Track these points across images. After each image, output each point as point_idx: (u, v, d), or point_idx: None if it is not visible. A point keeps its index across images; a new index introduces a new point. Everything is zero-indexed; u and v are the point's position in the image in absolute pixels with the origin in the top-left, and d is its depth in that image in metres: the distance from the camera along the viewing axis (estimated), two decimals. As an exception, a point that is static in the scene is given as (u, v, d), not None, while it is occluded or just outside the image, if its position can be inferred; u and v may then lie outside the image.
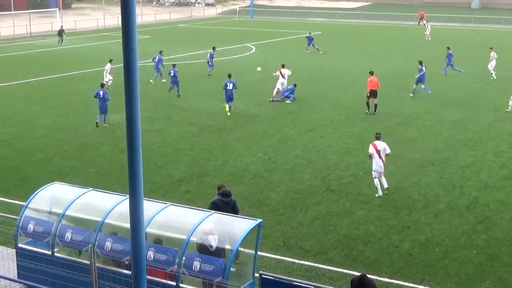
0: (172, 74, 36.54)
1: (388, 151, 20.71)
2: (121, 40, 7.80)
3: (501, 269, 15.78)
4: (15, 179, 22.61)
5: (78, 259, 13.69)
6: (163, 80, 40.32)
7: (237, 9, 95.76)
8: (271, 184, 21.87)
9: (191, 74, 43.83)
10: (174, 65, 37.32)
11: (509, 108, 32.41)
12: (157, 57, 41.05)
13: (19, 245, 14.35)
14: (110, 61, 39.20)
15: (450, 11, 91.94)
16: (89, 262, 12.66)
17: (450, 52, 42.78)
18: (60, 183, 15.75)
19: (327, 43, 61.75)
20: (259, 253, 13.89)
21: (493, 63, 42.43)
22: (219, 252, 12.83)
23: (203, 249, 12.91)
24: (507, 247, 16.92)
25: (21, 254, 14.24)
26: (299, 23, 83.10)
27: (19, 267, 14.29)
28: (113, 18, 78.54)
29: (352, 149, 25.83)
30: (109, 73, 38.99)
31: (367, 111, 32.27)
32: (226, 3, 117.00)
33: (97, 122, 29.86)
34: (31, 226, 14.16)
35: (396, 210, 19.45)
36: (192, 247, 12.95)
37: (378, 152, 20.47)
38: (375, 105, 32.04)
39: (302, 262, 16.13)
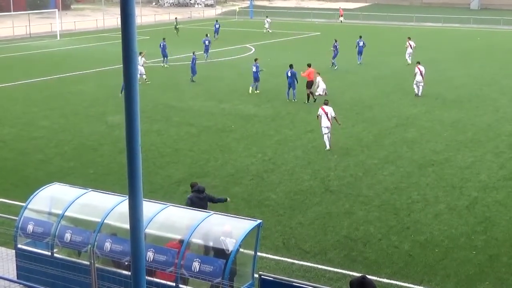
0: (193, 63, 40.83)
1: (334, 114, 25.97)
2: (120, 41, 7.80)
3: (501, 269, 15.78)
4: (14, 180, 22.60)
5: (77, 260, 13.69)
6: (166, 65, 45.92)
7: (237, 10, 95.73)
8: (271, 184, 21.87)
9: (190, 74, 43.81)
10: (193, 53, 41.94)
11: (417, 92, 36.34)
12: (161, 44, 47.12)
13: (19, 246, 14.34)
14: (141, 53, 40.09)
15: (450, 11, 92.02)
16: (88, 263, 12.65)
17: (336, 44, 46.96)
18: (60, 184, 15.74)
19: (326, 44, 61.77)
20: (258, 254, 13.89)
21: (409, 50, 48.23)
22: (229, 254, 12.73)
23: (218, 251, 12.87)
24: (506, 248, 16.92)
25: (21, 255, 14.24)
26: (299, 24, 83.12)
27: (18, 267, 14.28)
28: (112, 19, 78.51)
29: (352, 150, 25.82)
30: (141, 65, 39.45)
31: (307, 102, 34.39)
32: (226, 4, 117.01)
33: None
34: (30, 227, 14.16)
35: (396, 211, 19.46)
36: (191, 248, 12.94)
37: (326, 114, 25.69)
38: (311, 94, 34.72)
39: (301, 262, 16.13)
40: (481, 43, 62.71)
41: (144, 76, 39.62)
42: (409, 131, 28.81)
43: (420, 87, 36.31)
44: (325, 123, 25.78)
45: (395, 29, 75.95)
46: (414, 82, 36.48)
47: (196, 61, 41.30)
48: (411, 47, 48.67)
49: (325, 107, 26.05)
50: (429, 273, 15.61)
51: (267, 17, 75.36)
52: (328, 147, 25.69)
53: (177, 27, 68.85)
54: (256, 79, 37.60)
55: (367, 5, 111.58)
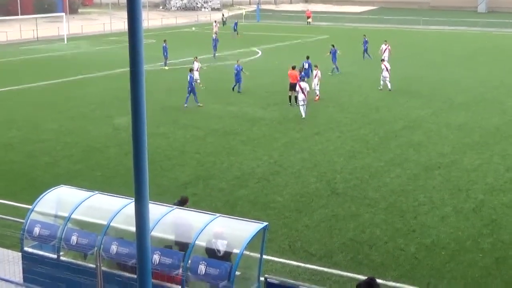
0: (236, 72, 38.53)
1: (308, 89, 31.97)
2: (127, 44, 7.83)
3: (508, 272, 15.74)
4: (21, 183, 22.68)
5: (83, 263, 13.71)
6: (166, 68, 47.07)
7: (243, 14, 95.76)
8: (277, 187, 21.88)
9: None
10: (237, 61, 39.80)
11: (381, 87, 38.90)
12: (164, 45, 47.98)
13: (25, 248, 14.37)
14: (196, 58, 40.78)
15: (457, 15, 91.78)
16: (94, 266, 12.69)
17: (335, 49, 45.75)
18: (66, 186, 15.78)
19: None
20: (264, 256, 13.88)
21: (386, 54, 46.69)
22: (226, 256, 12.79)
23: (210, 252, 12.91)
24: (513, 251, 16.88)
25: (27, 258, 14.27)
26: (305, 27, 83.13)
27: (25, 270, 14.31)
28: (119, 22, 78.70)
29: (358, 153, 25.81)
30: (196, 70, 39.32)
31: (289, 104, 34.42)
32: (232, 7, 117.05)
33: (185, 106, 34.26)
34: (37, 230, 14.18)
35: (402, 214, 19.43)
36: (197, 251, 12.95)
37: (301, 89, 31.46)
38: (296, 97, 33.98)
39: (307, 265, 16.12)
40: (489, 46, 62.57)
41: (198, 81, 38.64)
42: (415, 133, 28.77)
43: (388, 83, 38.86)
44: (301, 96, 31.50)
45: (402, 33, 75.87)
46: (381, 78, 39.19)
47: (241, 71, 38.74)
48: (384, 51, 47.23)
49: (302, 83, 31.86)
50: (436, 276, 15.58)
51: (215, 21, 76.58)
52: (303, 115, 31.20)
53: (236, 28, 72.24)
54: (307, 75, 38.10)
55: (374, 9, 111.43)
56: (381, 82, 39.21)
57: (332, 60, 45.26)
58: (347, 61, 48.16)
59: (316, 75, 36.34)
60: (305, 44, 63.59)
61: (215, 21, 75.93)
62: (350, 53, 52.48)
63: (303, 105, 31.31)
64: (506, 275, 15.58)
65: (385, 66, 39.32)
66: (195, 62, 40.08)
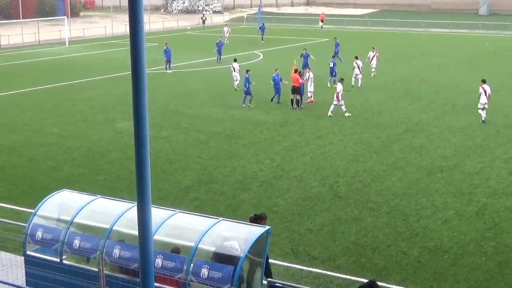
0: (275, 82, 36.33)
1: (339, 91, 32.55)
2: (129, 47, 7.83)
3: (510, 276, 15.71)
4: (23, 187, 22.68)
5: (86, 267, 13.69)
6: (168, 71, 46.77)
7: (245, 17, 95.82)
8: (279, 191, 21.86)
9: (199, 80, 43.95)
10: (276, 70, 36.79)
11: (354, 84, 40.43)
12: (165, 49, 48.19)
13: (28, 252, 14.35)
14: (235, 60, 40.93)
15: (458, 17, 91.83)
16: (97, 270, 12.67)
17: (307, 52, 45.16)
18: (69, 190, 15.76)
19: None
20: (267, 260, 13.86)
21: (374, 61, 45.86)
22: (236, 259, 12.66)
23: (220, 256, 12.78)
24: (516, 254, 16.85)
25: (30, 262, 14.25)
26: (307, 30, 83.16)
27: (27, 274, 14.29)
28: (121, 25, 78.76)
29: (361, 156, 25.80)
30: (237, 71, 39.63)
31: (292, 107, 34.69)
32: (234, 10, 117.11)
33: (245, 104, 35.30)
34: (39, 234, 14.17)
35: (405, 217, 19.41)
36: (200, 254, 12.92)
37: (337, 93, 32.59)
38: (297, 101, 34.83)
39: (310, 269, 16.11)
40: (490, 49, 62.57)
41: (237, 83, 39.61)
42: (418, 137, 28.75)
43: (359, 80, 40.61)
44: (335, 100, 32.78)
45: (403, 35, 75.92)
46: (353, 75, 40.67)
47: (281, 81, 36.20)
48: (373, 59, 45.56)
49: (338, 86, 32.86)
50: (439, 279, 15.57)
51: (227, 25, 75.56)
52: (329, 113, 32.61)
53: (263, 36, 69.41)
54: (331, 73, 40.52)
55: (375, 11, 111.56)
56: (352, 79, 40.52)
57: (303, 64, 42.95)
58: (347, 64, 47.95)
59: (309, 77, 36.40)
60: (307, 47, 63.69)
61: (227, 25, 75.36)
62: (350, 56, 52.38)
63: (336, 104, 32.68)
64: (509, 279, 15.56)
65: (357, 64, 40.50)
66: (235, 63, 40.37)
